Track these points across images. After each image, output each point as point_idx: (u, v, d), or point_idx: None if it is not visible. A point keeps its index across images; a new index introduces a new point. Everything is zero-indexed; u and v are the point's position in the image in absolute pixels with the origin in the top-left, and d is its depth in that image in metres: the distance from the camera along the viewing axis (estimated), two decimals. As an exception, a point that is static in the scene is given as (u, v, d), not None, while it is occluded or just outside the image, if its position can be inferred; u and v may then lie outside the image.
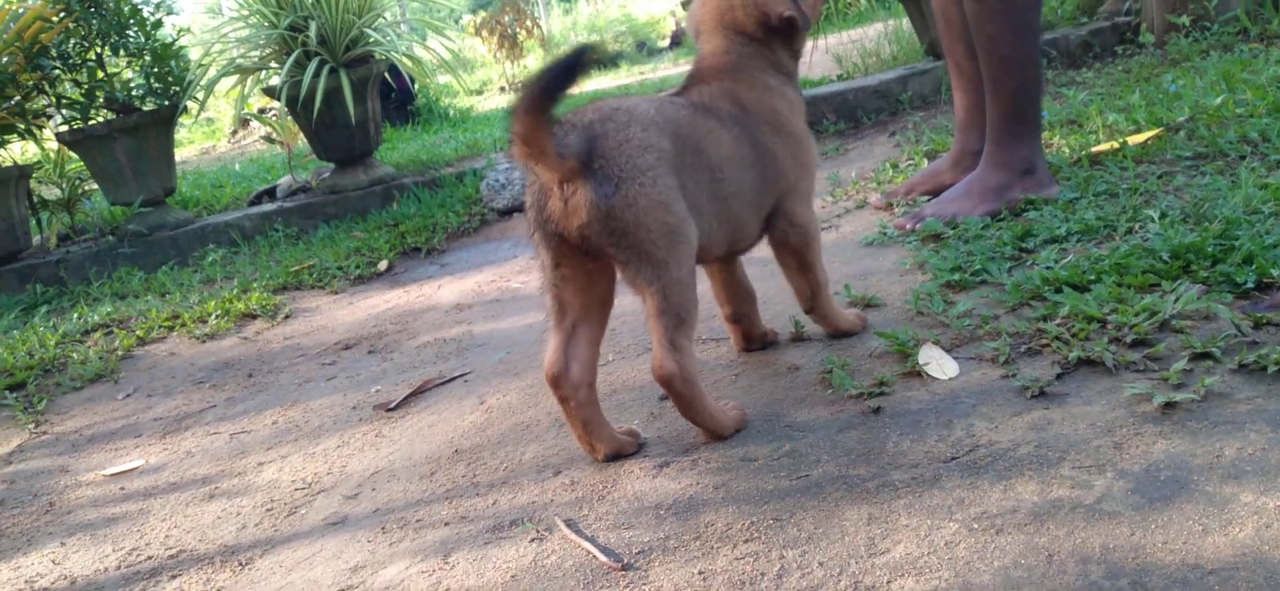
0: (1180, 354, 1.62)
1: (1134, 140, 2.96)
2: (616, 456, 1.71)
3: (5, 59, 4.78)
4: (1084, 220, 2.36)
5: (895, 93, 4.74)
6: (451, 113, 9.74)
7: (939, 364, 1.82)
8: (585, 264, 1.64)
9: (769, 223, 1.92)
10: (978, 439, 1.52)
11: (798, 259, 1.97)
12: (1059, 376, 1.66)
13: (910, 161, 3.60)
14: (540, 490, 1.67)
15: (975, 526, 1.29)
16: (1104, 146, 3.00)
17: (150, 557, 1.74)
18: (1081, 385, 1.62)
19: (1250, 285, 1.81)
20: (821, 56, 6.18)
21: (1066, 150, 3.13)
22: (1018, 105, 2.68)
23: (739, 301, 2.08)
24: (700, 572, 1.32)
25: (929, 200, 2.89)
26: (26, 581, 1.75)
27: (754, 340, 2.12)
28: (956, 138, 3.09)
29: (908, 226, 2.72)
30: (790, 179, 1.91)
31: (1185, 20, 4.28)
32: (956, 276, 2.22)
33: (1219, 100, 3.08)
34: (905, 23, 5.65)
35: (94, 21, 5.05)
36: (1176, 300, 1.79)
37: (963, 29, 2.94)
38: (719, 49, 1.94)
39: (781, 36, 1.97)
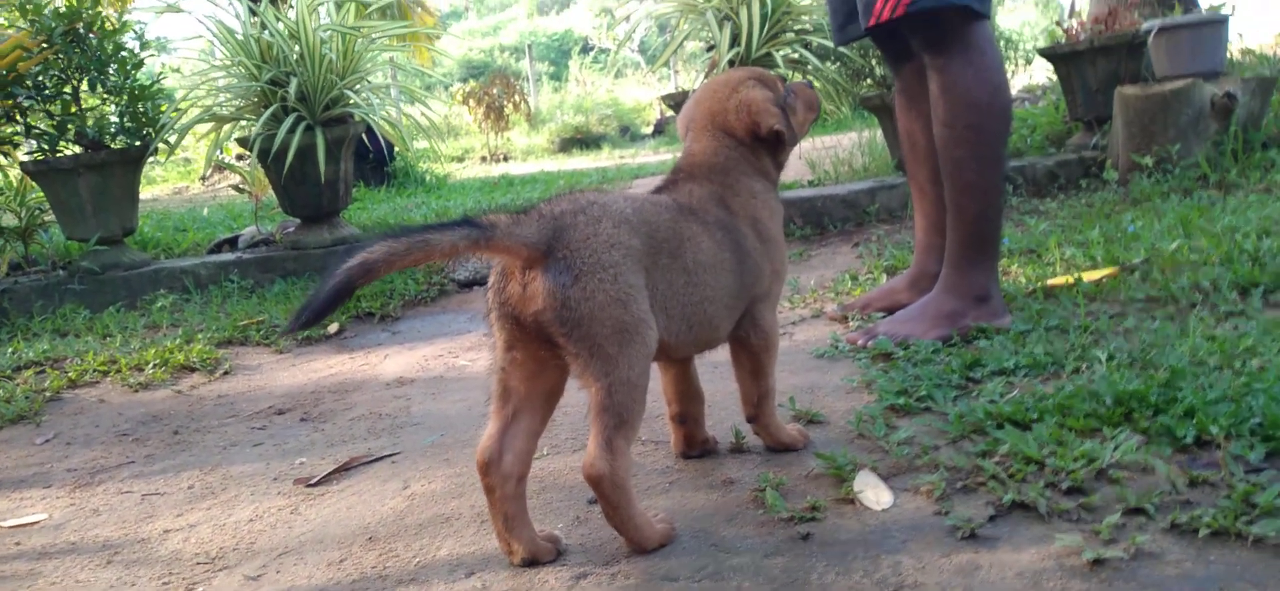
0: (1114, 506, 1.59)
1: (1089, 277, 2.98)
2: (533, 562, 1.64)
3: (-22, 83, 4.73)
4: (1033, 354, 2.35)
5: (863, 204, 4.77)
6: (428, 178, 9.75)
7: (874, 493, 1.77)
8: (537, 351, 1.60)
9: (736, 323, 1.91)
10: (903, 578, 1.47)
11: (754, 363, 1.96)
12: (992, 518, 1.62)
13: (870, 275, 3.60)
14: None
15: (888, 676, 1.23)
16: (1060, 280, 3.01)
17: (32, 625, 1.65)
18: (1013, 529, 1.58)
19: (1190, 440, 1.79)
20: (795, 160, 6.23)
21: (1023, 279, 3.14)
22: (978, 232, 2.69)
23: (688, 402, 2.04)
24: (599, 700, 1.25)
25: (884, 317, 2.88)
26: (-105, 640, 1.65)
27: (696, 445, 2.08)
28: (915, 258, 3.09)
29: (860, 342, 2.70)
30: (765, 284, 1.92)
31: (1149, 161, 4.35)
32: (902, 400, 2.19)
33: (1175, 245, 3.11)
34: (879, 135, 5.72)
35: (75, 55, 5.01)
36: (1116, 448, 1.76)
37: (927, 152, 2.96)
38: (709, 149, 1.96)
39: (768, 146, 2.00)
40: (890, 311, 2.98)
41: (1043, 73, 10.35)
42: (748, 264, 1.87)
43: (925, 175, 3.03)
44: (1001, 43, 9.08)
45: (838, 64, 5.23)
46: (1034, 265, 3.29)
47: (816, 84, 5.11)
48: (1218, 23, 4.96)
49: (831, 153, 5.92)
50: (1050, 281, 3.02)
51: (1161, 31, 4.85)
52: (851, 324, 3.00)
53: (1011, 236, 3.72)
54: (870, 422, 2.07)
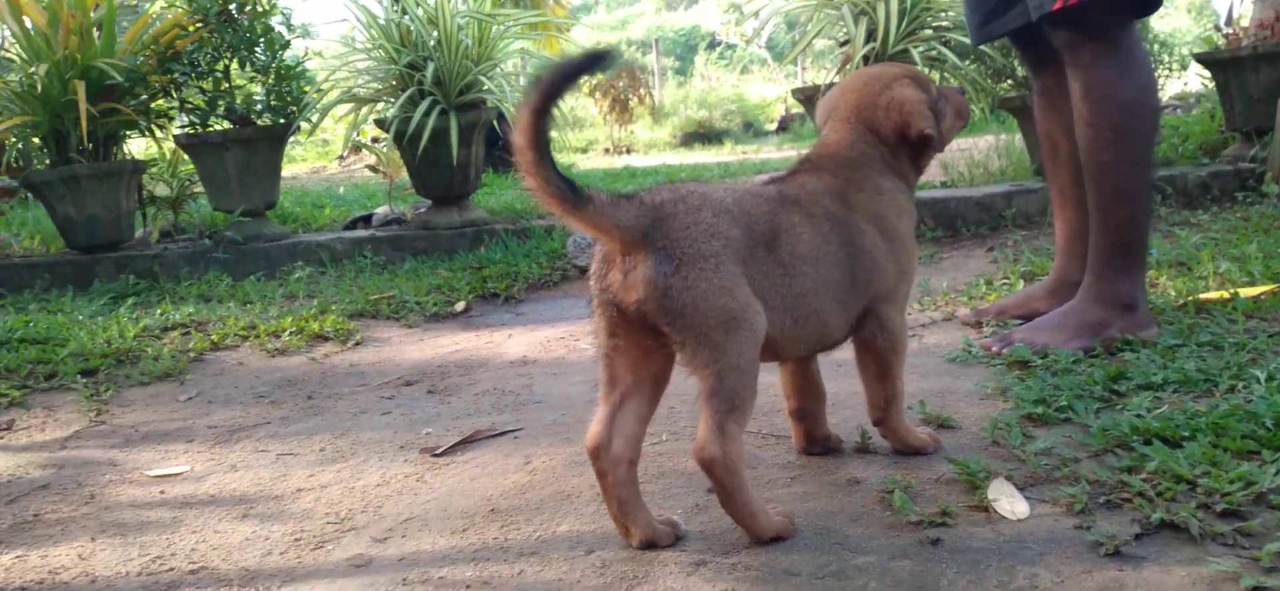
0: (1276, 534, 1.48)
1: (1246, 293, 2.80)
2: (650, 545, 1.63)
3: (140, 59, 5.00)
4: (1183, 370, 2.22)
5: (999, 207, 4.60)
6: (553, 167, 9.87)
7: (1009, 502, 1.70)
8: (641, 339, 1.59)
9: (859, 323, 1.85)
10: (1040, 591, 1.40)
11: (879, 365, 1.89)
12: (1138, 537, 1.53)
13: (1005, 280, 3.47)
14: (569, 567, 1.60)
15: (1024, 691, 1.17)
16: (1213, 295, 2.84)
17: (172, 569, 1.72)
18: (1162, 550, 1.49)
19: (1362, 470, 1.65)
20: (927, 161, 6.05)
21: (1172, 292, 2.97)
22: (1125, 238, 2.55)
23: (808, 398, 2.00)
24: (719, 688, 1.23)
25: (1020, 324, 2.77)
26: (50, 572, 1.75)
27: (816, 442, 2.03)
28: (1056, 265, 2.96)
29: (994, 349, 2.60)
30: (888, 283, 1.85)
31: (1315, 176, 4.07)
32: (1039, 410, 2.10)
33: (1345, 265, 2.89)
34: (1018, 139, 5.52)
35: (227, 35, 5.25)
36: (1277, 472, 1.64)
37: (1069, 156, 2.84)
38: (845, 140, 1.90)
39: (910, 148, 1.93)
40: (1026, 319, 2.86)
41: (1197, 80, 9.83)
42: (862, 260, 1.80)
43: (1066, 180, 2.90)
44: (1155, 46, 8.64)
45: (977, 64, 5.06)
46: (1184, 278, 3.11)
47: (954, 83, 4.96)
48: (1399, 30, 4.60)
49: (967, 154, 5.74)
50: (1202, 295, 2.86)
51: (1335, 38, 4.53)
52: (985, 329, 2.89)
53: (1159, 248, 3.53)
54: (1006, 430, 1.99)
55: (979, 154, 5.69)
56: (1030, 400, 2.15)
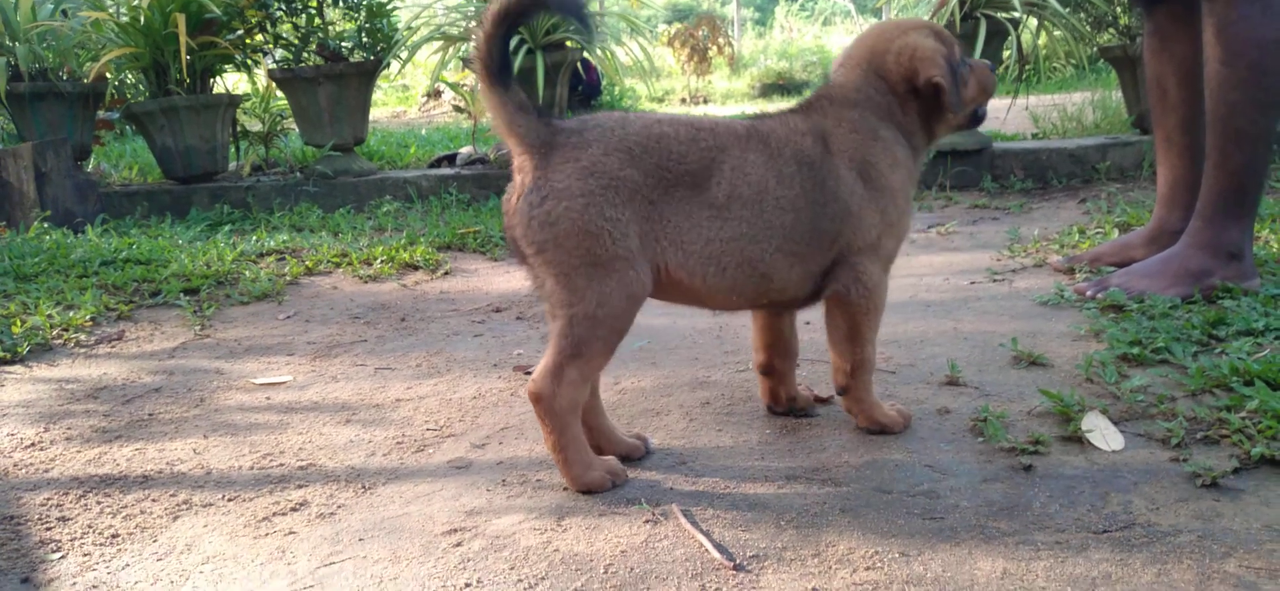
0: (1385, 474, 1.45)
1: (1357, 246, 2.70)
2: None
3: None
4: (1288, 318, 2.16)
5: (1092, 160, 4.49)
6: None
7: (1103, 434, 1.69)
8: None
9: (831, 275, 1.70)
10: (1134, 517, 1.40)
11: (850, 324, 1.71)
12: (1236, 471, 1.52)
13: (1099, 230, 3.40)
14: (661, 476, 1.64)
15: (1121, 604, 1.18)
16: (1321, 247, 2.75)
17: (282, 465, 1.80)
18: (1261, 483, 1.48)
19: None
20: (1019, 113, 5.94)
21: (1275, 246, 2.89)
22: (1240, 183, 2.48)
23: (775, 355, 1.86)
24: (814, 589, 1.26)
25: (1114, 272, 2.72)
26: (168, 463, 1.84)
27: (780, 402, 1.89)
28: (1156, 213, 2.89)
29: (1088, 293, 2.56)
30: (870, 235, 1.69)
31: None
32: (1135, 351, 2.07)
33: None
34: (1114, 94, 5.37)
35: (321, -29, 5.35)
36: (1388, 417, 1.61)
37: (1178, 101, 2.76)
38: (850, 82, 1.77)
39: (920, 104, 1.77)
40: (1121, 266, 2.80)
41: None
42: (831, 208, 1.65)
43: (1173, 125, 2.82)
44: None
45: (1079, 12, 4.92)
46: (1289, 231, 3.02)
47: (1055, 31, 4.83)
48: None
49: (1059, 108, 5.60)
50: (1308, 248, 2.77)
51: None
52: (1078, 275, 2.85)
53: (1264, 201, 3.41)
54: (1100, 368, 1.97)
55: (1072, 108, 5.55)
56: (1125, 341, 2.12)
